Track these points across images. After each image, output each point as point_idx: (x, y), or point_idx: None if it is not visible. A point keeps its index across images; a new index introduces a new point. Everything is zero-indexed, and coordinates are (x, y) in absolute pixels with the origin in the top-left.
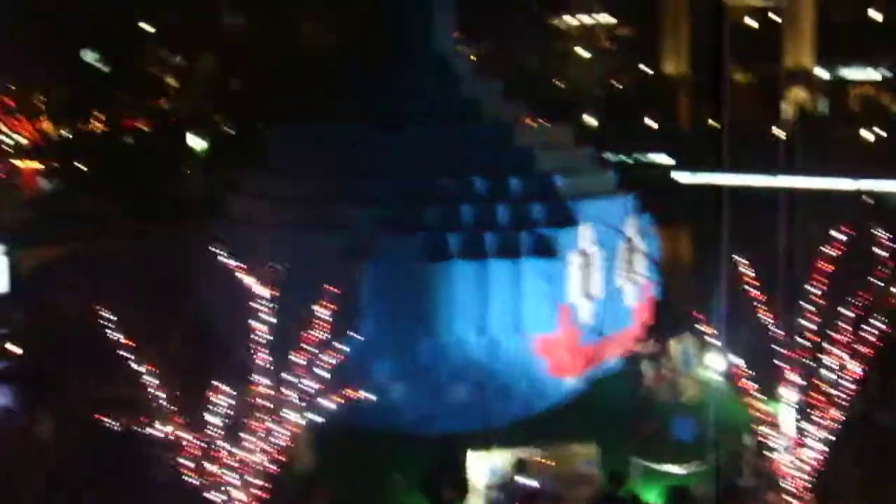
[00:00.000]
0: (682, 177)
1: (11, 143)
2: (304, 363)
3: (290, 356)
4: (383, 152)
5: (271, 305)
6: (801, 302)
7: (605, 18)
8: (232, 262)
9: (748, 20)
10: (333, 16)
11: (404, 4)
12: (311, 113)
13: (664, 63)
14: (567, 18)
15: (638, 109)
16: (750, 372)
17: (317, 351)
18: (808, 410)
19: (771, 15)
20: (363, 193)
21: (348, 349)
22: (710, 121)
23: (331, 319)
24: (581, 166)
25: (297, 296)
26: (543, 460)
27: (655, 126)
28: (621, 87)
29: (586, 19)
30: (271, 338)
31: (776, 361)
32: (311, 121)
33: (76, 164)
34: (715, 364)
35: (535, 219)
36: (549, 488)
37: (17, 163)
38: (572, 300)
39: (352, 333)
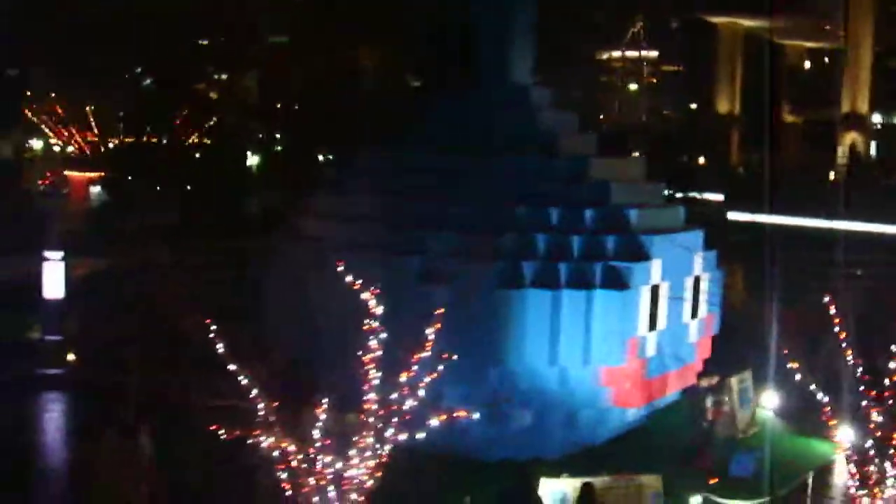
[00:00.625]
0: (736, 215)
1: (60, 152)
2: (400, 383)
3: (371, 376)
4: (461, 179)
5: (374, 324)
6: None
7: (654, 55)
8: (348, 278)
9: (805, 63)
10: (409, 44)
11: (484, 34)
12: (382, 137)
13: (716, 101)
14: (616, 54)
15: (688, 146)
16: (826, 409)
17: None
18: (881, 450)
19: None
20: (439, 219)
21: (440, 369)
22: (763, 161)
23: (413, 341)
24: (652, 200)
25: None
26: (610, 488)
27: (705, 163)
28: (672, 123)
29: (635, 54)
30: (358, 356)
31: (859, 400)
32: (381, 145)
33: (127, 175)
34: (772, 401)
35: (608, 251)
36: None
37: (68, 172)
38: (640, 333)
39: (444, 355)
